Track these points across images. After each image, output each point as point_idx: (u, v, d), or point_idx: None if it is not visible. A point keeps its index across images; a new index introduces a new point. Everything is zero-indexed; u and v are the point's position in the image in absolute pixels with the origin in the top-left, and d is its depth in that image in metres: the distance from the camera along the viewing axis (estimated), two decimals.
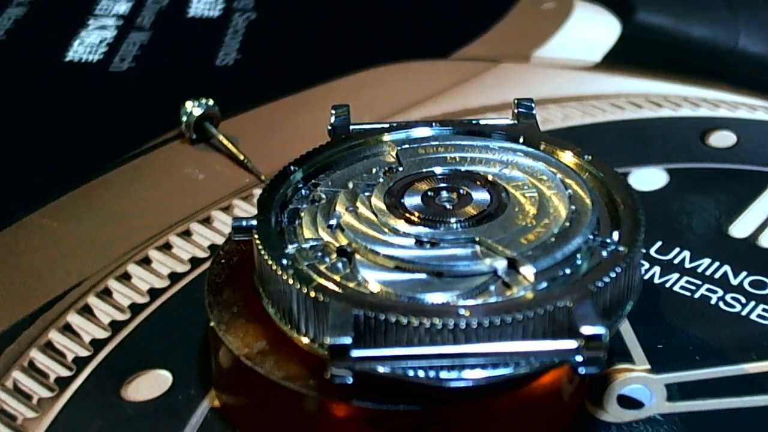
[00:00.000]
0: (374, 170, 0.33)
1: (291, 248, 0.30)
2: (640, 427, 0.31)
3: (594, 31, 0.52)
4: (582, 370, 0.27)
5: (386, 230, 0.30)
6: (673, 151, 0.43)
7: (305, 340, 0.29)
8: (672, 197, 0.40)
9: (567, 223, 0.30)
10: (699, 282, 0.36)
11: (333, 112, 0.35)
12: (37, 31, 0.53)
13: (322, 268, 0.29)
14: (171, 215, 0.39)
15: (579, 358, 0.27)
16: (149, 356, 0.33)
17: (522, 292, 0.28)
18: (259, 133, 0.44)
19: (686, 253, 0.37)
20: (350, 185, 0.32)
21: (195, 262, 0.37)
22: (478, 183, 0.32)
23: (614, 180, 0.32)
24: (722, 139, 0.43)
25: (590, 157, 0.33)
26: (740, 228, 0.38)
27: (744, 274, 0.36)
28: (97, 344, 0.34)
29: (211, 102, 0.43)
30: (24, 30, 0.53)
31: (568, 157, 0.33)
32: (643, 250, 0.34)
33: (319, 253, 0.29)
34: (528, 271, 0.28)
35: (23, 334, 0.35)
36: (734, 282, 0.36)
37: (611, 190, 0.31)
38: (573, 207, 0.31)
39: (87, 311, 0.35)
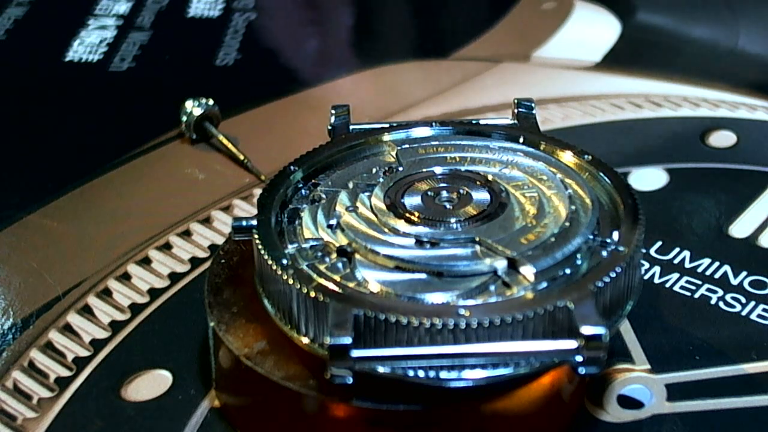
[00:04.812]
0: (374, 170, 0.33)
1: (291, 248, 0.30)
2: (640, 427, 0.31)
3: (594, 31, 0.52)
4: (582, 370, 0.27)
5: (386, 230, 0.30)
6: (673, 151, 0.43)
7: (305, 340, 0.29)
8: (672, 197, 0.40)
9: (567, 223, 0.30)
10: (699, 282, 0.36)
11: (333, 112, 0.35)
12: (37, 31, 0.53)
13: (322, 268, 0.29)
14: (171, 215, 0.39)
15: (579, 358, 0.27)
16: (149, 356, 0.33)
17: (522, 292, 0.28)
18: (259, 133, 0.44)
19: (686, 253, 0.37)
20: (350, 185, 0.32)
21: (195, 262, 0.37)
22: (478, 183, 0.32)
23: (614, 180, 0.32)
24: (722, 139, 0.43)
25: (590, 157, 0.33)
26: (740, 228, 0.38)
27: (744, 274, 0.36)
28: (97, 344, 0.34)
29: (211, 102, 0.43)
30: (24, 30, 0.53)
31: (568, 157, 0.33)
32: (643, 250, 0.34)
33: (319, 253, 0.29)
34: (528, 271, 0.28)
35: (23, 334, 0.35)
36: (734, 282, 0.36)
37: (611, 190, 0.31)
38: (573, 207, 0.31)
39: (87, 311, 0.35)
